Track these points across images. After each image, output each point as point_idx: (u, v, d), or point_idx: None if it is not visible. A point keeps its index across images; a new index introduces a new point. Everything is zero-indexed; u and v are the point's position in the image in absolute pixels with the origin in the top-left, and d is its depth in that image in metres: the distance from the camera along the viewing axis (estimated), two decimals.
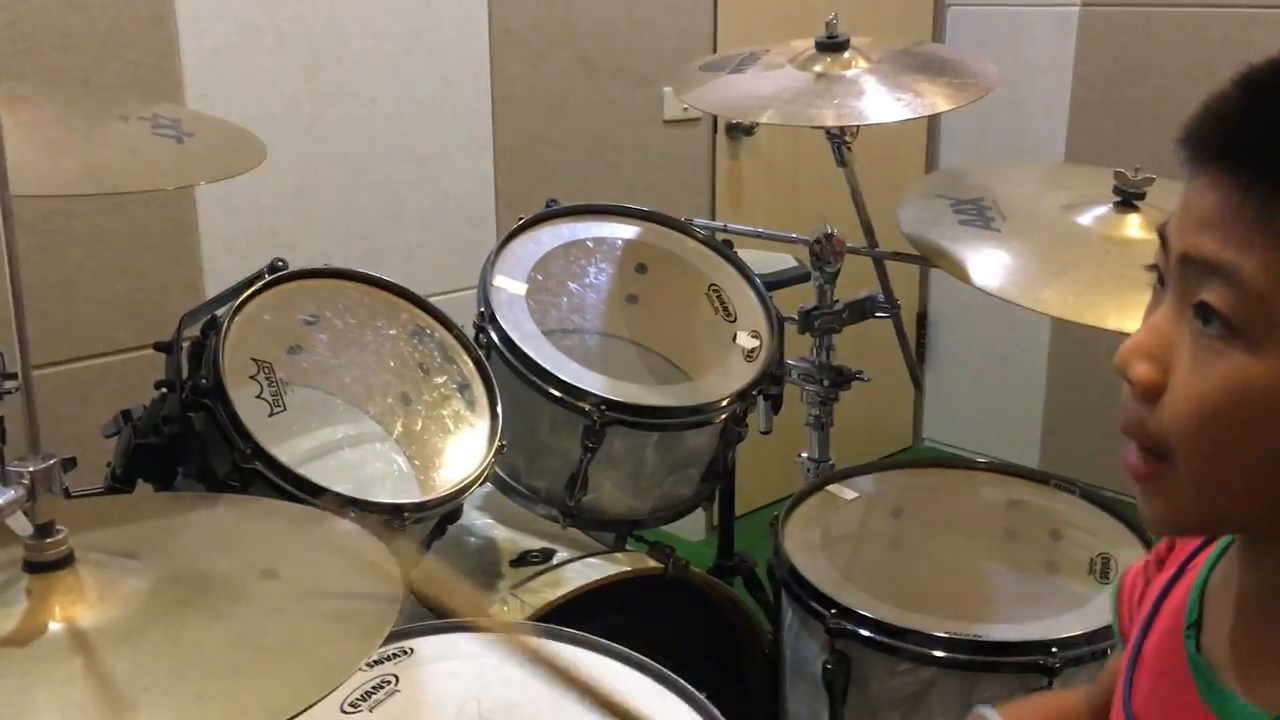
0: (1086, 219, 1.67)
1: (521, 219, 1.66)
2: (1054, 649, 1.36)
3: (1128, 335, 0.66)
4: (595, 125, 2.76)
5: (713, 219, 2.81)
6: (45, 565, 0.82)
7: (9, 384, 1.14)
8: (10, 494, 0.80)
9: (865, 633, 1.41)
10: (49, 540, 0.83)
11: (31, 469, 0.82)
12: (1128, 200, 1.66)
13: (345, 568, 0.94)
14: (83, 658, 0.77)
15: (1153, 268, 0.67)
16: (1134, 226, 1.64)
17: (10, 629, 0.79)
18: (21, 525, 0.81)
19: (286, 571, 0.90)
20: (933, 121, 3.38)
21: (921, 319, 3.69)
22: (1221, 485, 0.62)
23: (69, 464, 1.27)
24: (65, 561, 0.83)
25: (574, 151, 2.74)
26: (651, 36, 2.81)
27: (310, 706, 0.74)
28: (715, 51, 2.90)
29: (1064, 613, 1.46)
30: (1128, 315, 1.47)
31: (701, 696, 1.20)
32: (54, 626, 0.80)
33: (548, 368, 1.49)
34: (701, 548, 2.76)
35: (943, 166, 3.42)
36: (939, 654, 1.37)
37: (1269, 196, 0.58)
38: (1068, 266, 1.61)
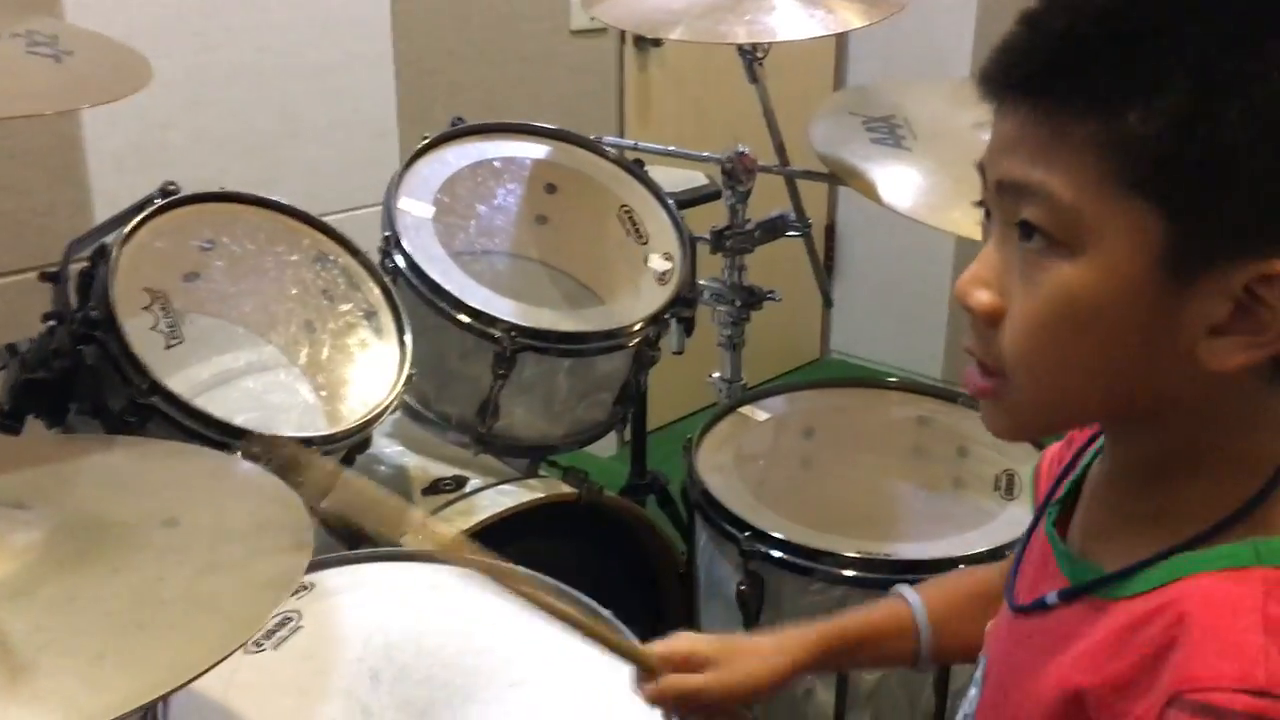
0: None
1: (426, 138, 1.61)
2: (960, 565, 1.38)
3: None
4: (499, 35, 2.67)
5: (621, 134, 2.76)
6: None
7: None
8: None
9: (778, 554, 1.43)
10: None
11: None
12: None
13: (250, 514, 0.91)
14: None
15: (980, 204, 0.70)
16: None
17: None
18: None
19: (188, 519, 0.87)
20: (841, 36, 3.35)
21: (830, 231, 3.71)
22: (1055, 389, 0.67)
23: None
24: None
25: (478, 64, 2.65)
26: None
27: (216, 664, 0.71)
28: None
29: (971, 529, 1.49)
30: None
31: (608, 614, 1.19)
32: None
33: (456, 294, 1.46)
34: (614, 464, 2.77)
35: (851, 83, 3.40)
36: (850, 574, 1.39)
37: (1058, 115, 0.62)
38: (978, 186, 1.61)
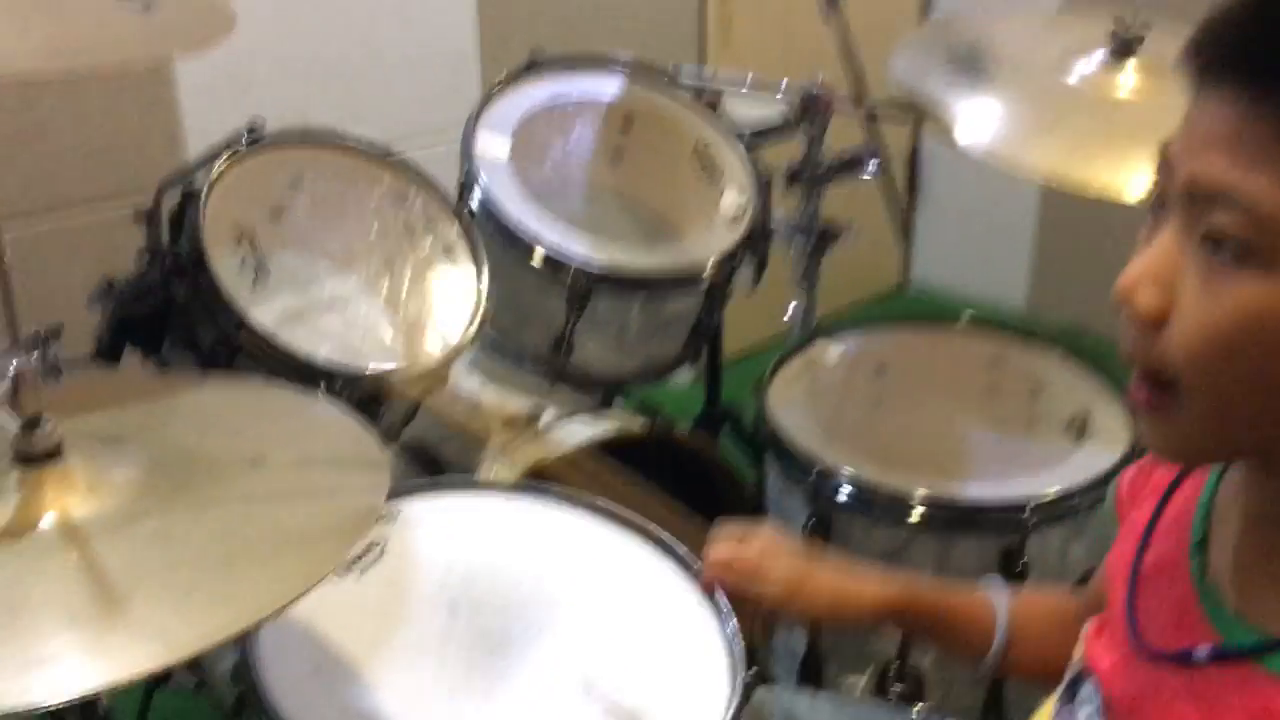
0: (1080, 70, 1.64)
1: (503, 76, 1.62)
2: (1027, 509, 1.39)
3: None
4: None
5: (701, 63, 2.74)
6: (35, 458, 0.84)
7: None
8: None
9: (845, 494, 1.45)
10: (37, 432, 0.84)
11: (15, 363, 0.83)
12: (1123, 49, 1.63)
13: (330, 451, 0.95)
14: (77, 551, 0.79)
15: (1152, 192, 0.64)
16: (1128, 76, 1.61)
17: (3, 523, 0.81)
18: (6, 420, 0.82)
19: (273, 457, 0.92)
20: None
21: (914, 157, 3.63)
22: (1231, 413, 0.61)
23: (55, 331, 1.29)
24: (54, 453, 0.84)
25: None
26: None
27: (298, 599, 0.76)
28: None
29: (1040, 472, 1.49)
30: (1115, 174, 1.45)
31: (682, 551, 1.23)
32: (46, 519, 0.81)
33: (531, 232, 1.49)
34: (691, 393, 2.80)
35: (938, 13, 3.31)
36: (915, 517, 1.41)
37: None
38: (1058, 122, 1.59)
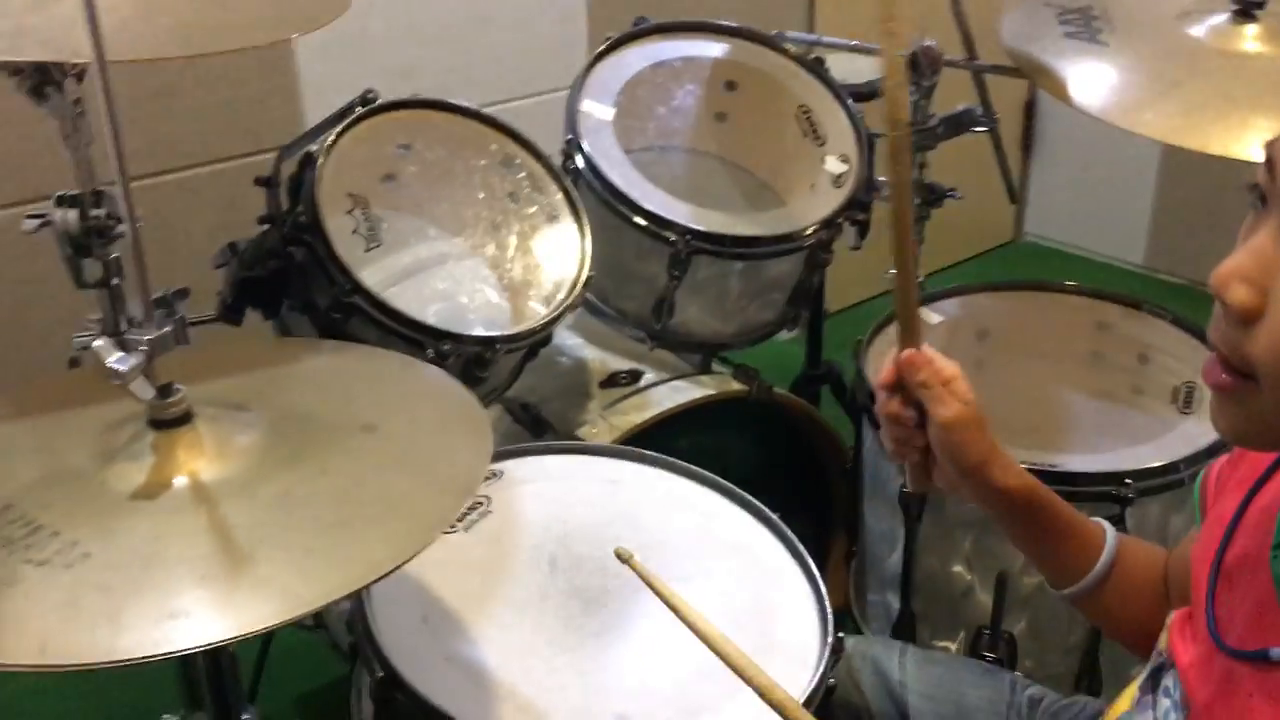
0: (1200, 30, 1.59)
1: (608, 40, 1.64)
2: (1128, 480, 1.38)
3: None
4: None
5: (811, 24, 2.71)
6: (167, 422, 0.90)
7: (120, 227, 1.20)
8: (131, 361, 0.86)
9: None
10: (169, 400, 0.90)
11: (149, 336, 0.88)
12: (1246, 9, 1.57)
13: (437, 418, 1.00)
14: (205, 510, 0.85)
15: (1254, 186, 0.64)
16: (1250, 39, 1.56)
17: (141, 483, 0.87)
18: (143, 389, 0.88)
19: (384, 424, 0.97)
20: None
21: (1029, 109, 3.56)
22: None
23: (182, 294, 1.36)
24: (185, 419, 0.90)
25: None
26: None
27: (406, 561, 0.81)
28: None
29: (1143, 442, 1.48)
30: (1234, 139, 1.42)
31: (772, 514, 1.26)
32: (178, 481, 0.87)
33: (633, 197, 1.51)
34: (794, 349, 2.80)
35: None
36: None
37: None
38: (1175, 84, 1.54)
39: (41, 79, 1.10)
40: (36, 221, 1.20)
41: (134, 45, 0.99)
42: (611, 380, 1.65)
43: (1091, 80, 1.60)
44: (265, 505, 0.86)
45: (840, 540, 1.81)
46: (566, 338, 1.75)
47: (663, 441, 1.46)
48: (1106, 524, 1.01)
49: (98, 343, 0.87)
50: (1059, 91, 1.61)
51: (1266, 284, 0.61)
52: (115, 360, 0.86)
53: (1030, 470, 1.39)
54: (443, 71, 2.36)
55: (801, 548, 1.19)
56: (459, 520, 1.26)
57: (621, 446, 1.39)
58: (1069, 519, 1.00)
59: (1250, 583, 0.73)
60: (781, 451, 1.73)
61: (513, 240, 1.50)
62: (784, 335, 2.34)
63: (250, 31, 1.06)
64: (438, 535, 0.84)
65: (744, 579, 1.18)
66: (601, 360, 1.71)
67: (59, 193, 1.19)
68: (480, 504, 1.28)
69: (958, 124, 1.84)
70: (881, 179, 1.81)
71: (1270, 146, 0.63)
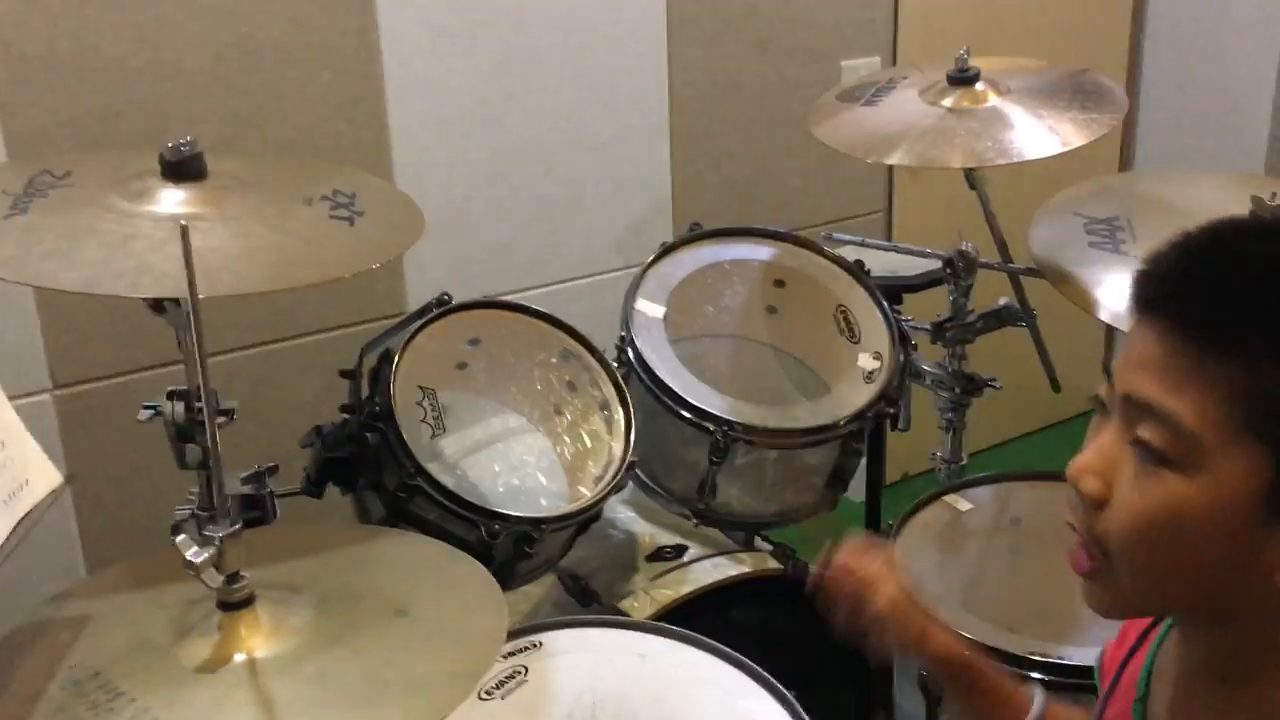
0: None
1: (664, 244, 1.82)
2: None
3: None
4: (771, 104, 2.84)
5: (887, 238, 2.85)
6: (232, 605, 1.06)
7: (221, 419, 1.39)
8: (203, 555, 1.03)
9: None
10: (235, 586, 1.07)
11: (221, 534, 1.05)
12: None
13: (462, 606, 1.15)
14: (256, 685, 1.01)
15: (1095, 397, 0.78)
16: None
17: (206, 658, 1.03)
18: (212, 577, 1.05)
19: (415, 609, 1.12)
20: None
21: None
22: (1155, 584, 0.74)
23: (271, 470, 1.55)
24: (248, 601, 1.07)
25: (750, 131, 2.84)
26: (828, 9, 2.86)
27: None
28: (895, 23, 2.94)
29: None
30: None
31: (789, 695, 1.36)
32: (238, 657, 1.03)
33: (679, 391, 1.67)
34: (861, 509, 2.87)
35: (1137, 167, 3.29)
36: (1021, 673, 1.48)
37: (1201, 348, 0.69)
38: None
39: (160, 298, 1.32)
40: (149, 412, 1.41)
41: (234, 282, 1.19)
42: (657, 554, 1.79)
43: (1112, 289, 1.71)
44: (306, 681, 1.01)
45: (881, 716, 1.88)
46: (620, 511, 1.90)
47: (702, 615, 1.58)
48: (1039, 690, 1.10)
49: (179, 537, 1.04)
50: (1082, 299, 1.72)
51: (1111, 476, 0.74)
52: (191, 554, 1.03)
53: (1036, 661, 1.49)
54: (536, 248, 2.57)
55: None
56: (498, 688, 1.40)
57: (653, 622, 1.51)
58: (997, 684, 1.11)
59: None
60: (818, 628, 1.82)
61: (567, 426, 1.67)
62: (860, 495, 2.43)
63: (338, 261, 1.25)
64: (448, 713, 0.98)
65: None
66: (651, 534, 1.85)
67: (170, 388, 1.40)
68: (519, 673, 1.42)
69: (997, 318, 1.96)
70: (925, 366, 1.94)
71: (1107, 363, 0.76)
